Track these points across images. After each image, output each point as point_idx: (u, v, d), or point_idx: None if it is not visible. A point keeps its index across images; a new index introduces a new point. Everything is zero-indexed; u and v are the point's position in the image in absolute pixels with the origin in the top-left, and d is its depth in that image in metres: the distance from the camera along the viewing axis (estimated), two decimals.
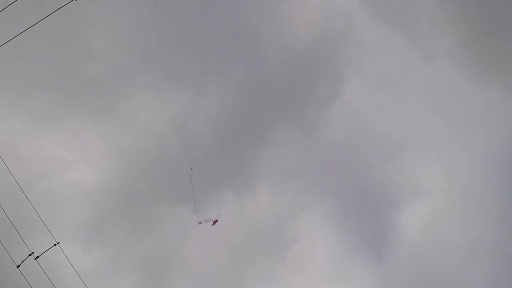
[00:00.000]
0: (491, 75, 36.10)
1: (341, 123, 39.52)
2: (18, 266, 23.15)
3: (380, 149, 39.94)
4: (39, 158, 38.14)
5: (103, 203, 39.79)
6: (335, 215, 40.24)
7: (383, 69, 39.17)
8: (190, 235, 41.09)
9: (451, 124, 38.30)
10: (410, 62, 39.12)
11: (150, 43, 38.60)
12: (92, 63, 38.80)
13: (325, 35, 38.82)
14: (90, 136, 39.81)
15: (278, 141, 39.95)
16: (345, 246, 39.64)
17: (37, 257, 23.18)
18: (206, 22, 37.66)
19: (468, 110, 37.69)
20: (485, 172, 36.43)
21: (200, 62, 39.19)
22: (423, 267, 36.84)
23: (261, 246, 39.72)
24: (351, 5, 38.72)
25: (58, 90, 38.84)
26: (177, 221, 40.92)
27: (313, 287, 36.95)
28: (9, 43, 37.41)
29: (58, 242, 23.92)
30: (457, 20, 37.00)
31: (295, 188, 40.65)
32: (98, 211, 39.50)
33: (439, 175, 38.97)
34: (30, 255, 23.18)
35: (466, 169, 37.78)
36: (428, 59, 39.04)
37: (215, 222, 30.27)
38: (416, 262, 37.28)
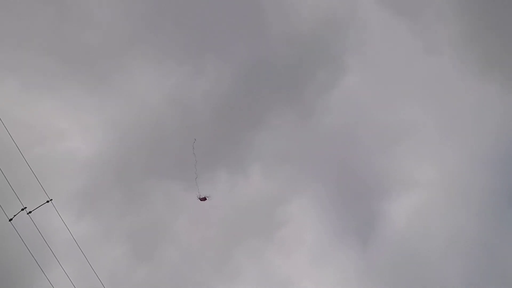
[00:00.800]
0: (491, 71, 36.05)
1: (339, 110, 39.49)
2: (11, 220, 23.38)
3: (375, 138, 40.09)
4: (33, 125, 37.87)
5: (97, 174, 39.88)
6: (326, 201, 40.73)
7: (384, 58, 38.93)
8: (182, 210, 41.54)
9: (448, 117, 38.46)
10: (412, 53, 38.87)
11: (150, 16, 37.90)
12: (91, 32, 38.13)
13: (329, 19, 38.30)
14: (86, 106, 39.50)
15: (274, 124, 39.93)
16: (333, 232, 40.30)
17: (30, 212, 23.31)
18: (208, 9, 36.94)
19: (466, 104, 37.80)
20: (475, 167, 36.89)
21: (200, 39, 38.66)
22: (407, 255, 37.72)
23: (250, 226, 40.26)
24: None
25: (55, 57, 38.22)
26: (169, 196, 41.25)
27: (299, 269, 37.74)
28: (10, 5, 36.64)
29: (51, 199, 24.09)
30: (461, 15, 36.59)
31: (288, 172, 40.91)
32: (91, 181, 39.62)
33: (430, 167, 39.37)
34: (22, 209, 23.32)
35: (457, 163, 38.19)
36: (431, 52, 38.82)
37: (203, 199, 30.45)
38: (400, 251, 38.12)
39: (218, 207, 39.52)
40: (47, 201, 25.49)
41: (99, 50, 38.62)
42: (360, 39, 38.29)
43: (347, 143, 40.37)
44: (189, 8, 37.42)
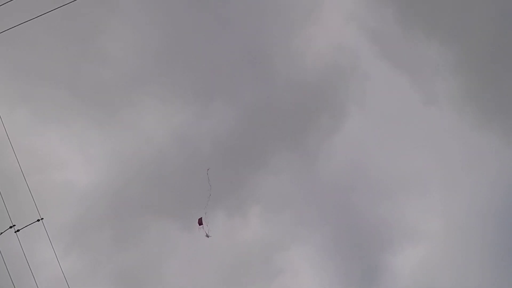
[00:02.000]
0: (490, 123, 37.01)
1: (341, 156, 39.82)
2: None
3: (377, 187, 39.88)
4: (35, 153, 37.91)
5: (92, 207, 38.99)
6: (326, 249, 39.26)
7: (385, 108, 40.25)
8: (175, 251, 39.89)
9: (449, 168, 38.61)
10: (411, 104, 40.25)
11: (163, 55, 39.96)
12: (104, 68, 39.90)
13: (333, 68, 40.36)
14: (91, 138, 39.94)
15: (277, 167, 39.97)
16: (333, 284, 38.23)
17: (18, 230, 22.43)
18: (220, 41, 39.30)
19: (467, 155, 38.17)
20: (481, 219, 36.07)
21: (208, 80, 40.33)
22: None
23: (246, 272, 38.33)
24: (360, 43, 40.69)
25: (66, 89, 39.52)
26: (163, 234, 39.89)
27: None
28: (26, 37, 38.60)
29: (42, 218, 23.27)
30: (459, 68, 38.63)
31: (288, 217, 40.03)
32: (85, 214, 38.57)
33: (435, 219, 38.57)
34: (11, 227, 22.44)
35: (462, 215, 37.47)
36: (429, 103, 40.21)
37: (200, 222, 29.17)
38: None
39: (214, 249, 38.05)
40: (38, 220, 24.75)
41: (110, 85, 40.13)
42: (362, 88, 40.04)
43: (349, 189, 40.09)
44: (200, 50, 39.62)
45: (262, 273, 38.61)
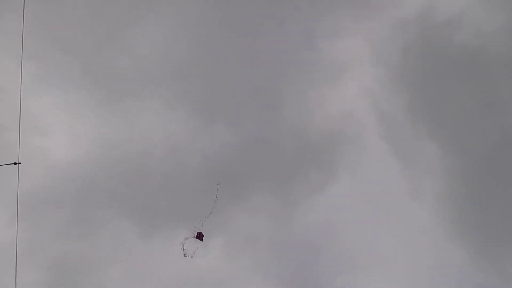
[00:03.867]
0: (463, 234, 38.24)
1: (319, 216, 39.99)
2: None
3: (343, 256, 39.76)
4: (26, 110, 36.78)
5: (60, 182, 37.52)
6: None
7: (372, 185, 41.16)
8: (125, 256, 38.05)
9: (414, 262, 39.01)
10: (397, 191, 41.32)
11: (182, 64, 40.60)
12: (124, 56, 40.13)
13: (336, 132, 41.63)
14: (84, 116, 39.19)
15: (255, 206, 39.66)
16: None
17: None
18: (241, 70, 40.40)
19: (433, 256, 38.81)
20: None
21: (217, 101, 40.81)
22: None
23: None
24: (368, 119, 42.38)
25: (81, 62, 39.29)
26: (119, 236, 38.24)
27: None
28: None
29: (20, 163, 22.29)
30: (450, 175, 40.42)
31: (248, 258, 39.20)
32: (50, 187, 36.99)
33: None
34: None
35: None
36: (414, 196, 41.41)
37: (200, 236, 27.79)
38: None
39: (170, 271, 36.69)
40: (15, 163, 23.70)
41: (123, 73, 40.06)
42: (357, 159, 41.13)
43: (316, 251, 39.84)
44: (219, 71, 40.50)
45: None
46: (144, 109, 40.09)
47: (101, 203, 38.66)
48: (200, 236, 27.65)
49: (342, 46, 42.82)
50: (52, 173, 37.34)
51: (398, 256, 40.16)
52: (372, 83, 43.96)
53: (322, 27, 42.03)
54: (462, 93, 39.11)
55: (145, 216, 38.72)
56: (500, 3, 40.62)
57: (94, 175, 38.75)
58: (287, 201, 39.56)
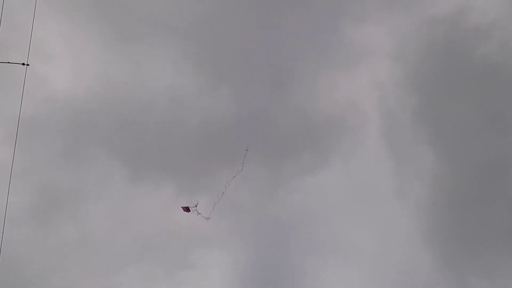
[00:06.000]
0: (439, 243, 39.39)
1: (301, 197, 40.61)
2: None
3: (316, 240, 40.86)
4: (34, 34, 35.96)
5: (55, 112, 37.45)
6: (239, 271, 39.75)
7: (361, 175, 41.56)
8: (109, 194, 38.72)
9: (387, 262, 40.25)
10: (384, 188, 41.83)
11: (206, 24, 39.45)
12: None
13: (339, 118, 41.60)
14: (94, 52, 38.39)
15: (244, 175, 39.84)
16: None
17: None
18: (251, 48, 39.37)
19: (406, 262, 39.79)
20: None
21: (226, 64, 40.16)
22: None
23: (161, 255, 38.14)
24: (373, 112, 42.23)
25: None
26: (108, 174, 38.82)
27: None
28: None
29: (28, 64, 22.10)
30: (439, 183, 40.90)
31: (225, 220, 40.10)
32: (45, 115, 37.00)
33: None
34: None
35: None
36: (399, 197, 42.13)
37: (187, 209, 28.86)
38: None
39: (148, 218, 37.67)
40: (23, 64, 23.35)
41: (143, 18, 38.92)
42: (352, 149, 41.31)
43: (291, 230, 40.85)
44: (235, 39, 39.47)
45: (175, 261, 38.50)
46: (153, 56, 39.37)
47: (94, 141, 38.93)
48: (187, 209, 28.69)
49: (364, 34, 41.71)
50: (51, 102, 37.18)
51: (369, 250, 41.41)
52: (385, 77, 43.30)
53: (349, 10, 40.72)
54: (471, 106, 38.82)
55: (135, 162, 39.17)
56: None
57: (92, 112, 38.69)
58: (276, 177, 40.06)
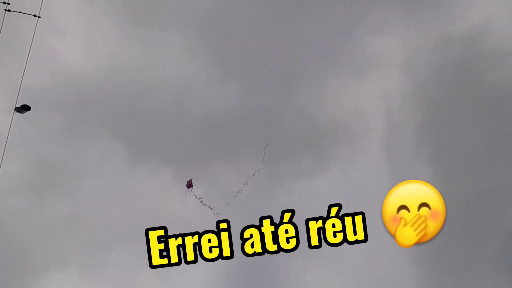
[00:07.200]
0: (425, 260, 39.52)
1: (296, 201, 40.61)
2: None
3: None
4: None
5: (62, 85, 37.50)
6: None
7: (358, 188, 41.34)
8: (107, 174, 39.04)
9: (370, 270, 40.60)
10: (378, 203, 41.91)
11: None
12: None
13: (341, 124, 41.57)
14: (105, 32, 38.29)
15: (239, 170, 40.03)
16: None
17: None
18: (264, 45, 39.14)
19: (389, 274, 40.16)
20: None
21: (237, 61, 40.07)
22: None
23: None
24: (377, 123, 42.10)
25: None
26: (107, 155, 39.10)
27: None
28: None
29: (40, 17, 21.94)
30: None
31: (222, 212, 40.41)
32: (52, 89, 37.05)
33: None
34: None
35: None
36: None
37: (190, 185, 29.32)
38: None
39: (144, 202, 37.99)
40: (35, 15, 23.12)
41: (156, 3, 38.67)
42: (352, 157, 41.32)
43: None
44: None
45: None
46: (165, 42, 39.24)
47: (97, 120, 39.10)
48: (190, 185, 29.31)
49: (378, 44, 41.35)
50: (58, 76, 37.18)
51: (356, 259, 41.71)
52: (394, 89, 43.03)
53: (367, 19, 40.27)
54: (477, 133, 38.63)
55: (136, 146, 39.40)
56: None
57: (98, 91, 38.78)
58: (270, 176, 40.16)
